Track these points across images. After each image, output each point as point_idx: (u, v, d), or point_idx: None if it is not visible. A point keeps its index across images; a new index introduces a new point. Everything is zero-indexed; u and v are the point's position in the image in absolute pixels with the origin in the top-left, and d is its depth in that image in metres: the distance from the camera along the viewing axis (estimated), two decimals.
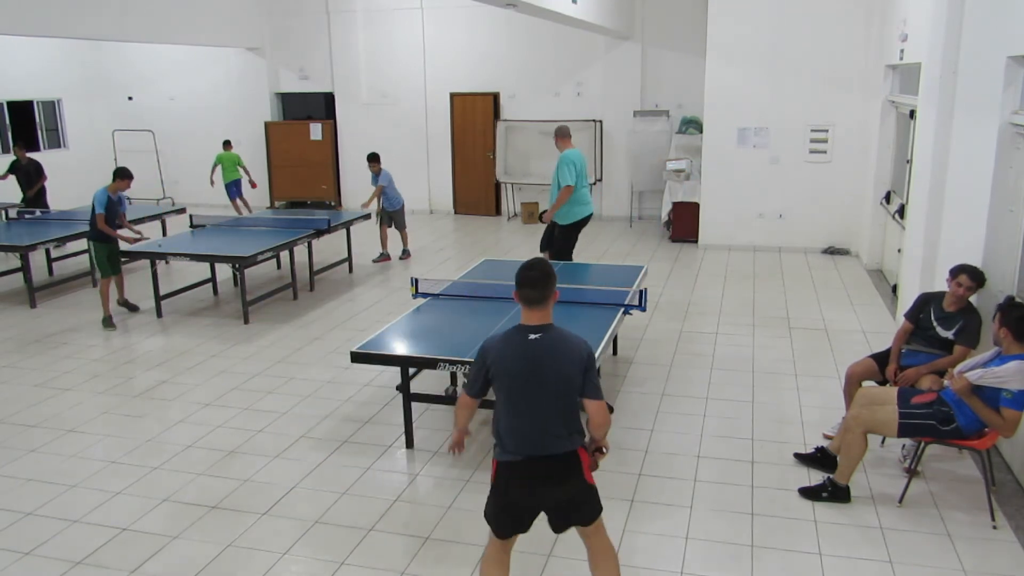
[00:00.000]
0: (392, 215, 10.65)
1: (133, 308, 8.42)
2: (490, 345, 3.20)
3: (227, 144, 13.25)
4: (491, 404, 5.78)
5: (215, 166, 13.06)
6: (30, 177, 11.33)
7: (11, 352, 7.21)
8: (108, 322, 7.86)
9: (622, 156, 12.94)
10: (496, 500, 3.23)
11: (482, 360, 3.19)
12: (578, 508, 3.20)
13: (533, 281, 3.11)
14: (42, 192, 11.55)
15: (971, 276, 4.79)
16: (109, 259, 7.93)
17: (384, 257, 10.66)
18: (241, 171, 13.20)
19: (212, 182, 13.05)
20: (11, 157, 11.65)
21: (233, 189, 13.12)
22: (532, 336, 3.11)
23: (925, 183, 6.02)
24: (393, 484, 4.75)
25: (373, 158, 10.55)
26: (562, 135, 7.92)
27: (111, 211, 7.87)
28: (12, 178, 11.38)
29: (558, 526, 3.27)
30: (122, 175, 7.91)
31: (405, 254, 10.84)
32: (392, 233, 10.86)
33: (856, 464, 4.43)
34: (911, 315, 5.05)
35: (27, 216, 10.45)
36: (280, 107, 15.01)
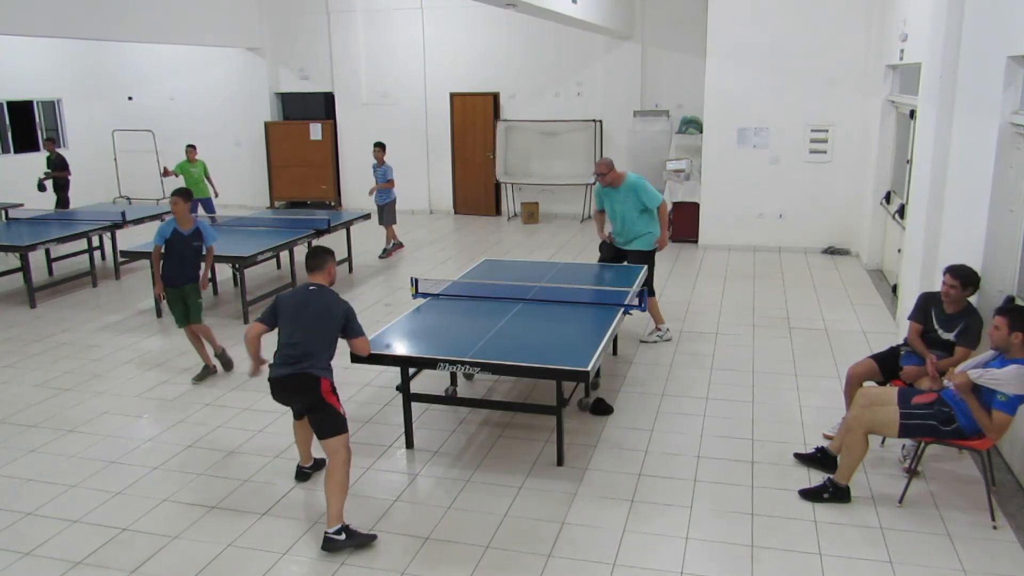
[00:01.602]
0: (382, 209, 10.71)
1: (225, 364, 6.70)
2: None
3: (191, 150, 11.22)
4: (490, 404, 5.76)
5: (175, 176, 11.22)
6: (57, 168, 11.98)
7: (11, 352, 7.21)
8: (208, 371, 6.53)
9: (622, 156, 12.92)
10: None
11: None
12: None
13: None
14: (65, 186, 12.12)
15: (953, 275, 4.78)
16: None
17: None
18: (208, 185, 11.37)
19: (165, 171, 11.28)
20: (44, 154, 12.09)
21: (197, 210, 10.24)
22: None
23: (925, 183, 6.02)
24: (393, 484, 4.75)
25: (380, 146, 10.66)
26: (609, 167, 6.77)
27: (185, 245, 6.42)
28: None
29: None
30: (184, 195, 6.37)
31: (392, 248, 10.88)
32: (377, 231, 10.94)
33: (857, 465, 4.43)
34: (916, 316, 5.04)
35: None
36: (280, 107, 15.01)
